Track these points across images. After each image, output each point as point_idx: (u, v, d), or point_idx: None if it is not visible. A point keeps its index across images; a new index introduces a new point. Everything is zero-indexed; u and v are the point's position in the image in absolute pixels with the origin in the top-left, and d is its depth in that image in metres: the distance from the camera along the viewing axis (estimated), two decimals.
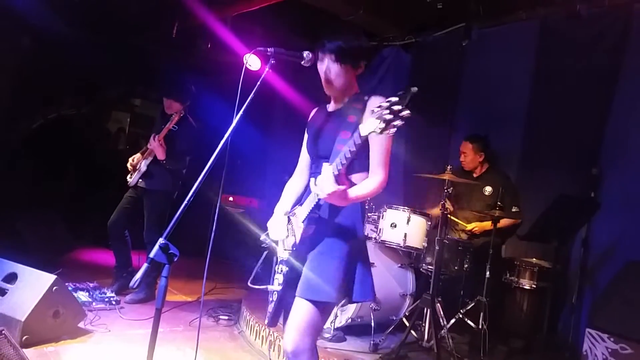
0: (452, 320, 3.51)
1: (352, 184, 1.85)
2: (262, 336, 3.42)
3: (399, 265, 3.80)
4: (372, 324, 3.35)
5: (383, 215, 3.71)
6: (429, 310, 3.38)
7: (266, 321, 2.00)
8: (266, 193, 6.46)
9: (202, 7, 4.85)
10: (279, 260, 2.02)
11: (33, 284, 2.97)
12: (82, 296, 3.65)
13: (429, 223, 3.70)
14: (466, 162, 4.21)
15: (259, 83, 1.88)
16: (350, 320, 3.36)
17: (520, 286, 3.69)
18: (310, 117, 2.15)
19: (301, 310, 1.79)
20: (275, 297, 1.97)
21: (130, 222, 4.13)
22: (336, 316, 3.35)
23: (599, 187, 3.74)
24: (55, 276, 2.98)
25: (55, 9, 4.96)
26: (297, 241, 1.91)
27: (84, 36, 5.56)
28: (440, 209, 3.44)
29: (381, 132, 1.45)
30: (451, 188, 3.59)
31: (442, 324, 3.37)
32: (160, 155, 3.91)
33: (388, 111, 1.41)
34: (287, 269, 1.93)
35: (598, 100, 3.82)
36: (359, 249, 1.91)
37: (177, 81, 4.19)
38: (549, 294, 3.57)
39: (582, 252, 3.79)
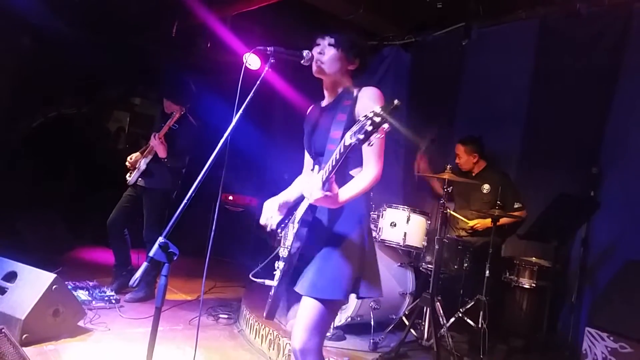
0: (452, 319, 3.51)
1: (351, 179, 1.84)
2: (262, 335, 3.42)
3: (399, 264, 3.80)
4: (372, 323, 3.35)
5: (383, 214, 3.71)
6: (428, 309, 3.39)
7: (264, 314, 2.00)
8: (266, 192, 6.43)
9: (202, 6, 4.85)
10: (280, 257, 2.02)
11: (33, 283, 2.97)
12: (82, 295, 3.65)
13: (429, 222, 3.70)
14: (461, 164, 4.27)
15: (258, 82, 1.87)
16: (350, 318, 3.36)
17: (520, 285, 3.70)
18: (307, 114, 2.15)
19: (309, 308, 1.78)
20: (272, 292, 1.97)
21: (130, 220, 4.13)
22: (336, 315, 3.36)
23: (598, 186, 3.74)
24: (55, 275, 2.98)
25: (55, 9, 4.96)
26: (292, 241, 1.91)
27: (84, 36, 5.57)
28: (440, 209, 3.45)
29: (361, 143, 1.45)
30: (451, 187, 3.60)
31: (441, 323, 3.38)
32: (162, 153, 3.91)
33: (370, 122, 1.41)
34: (283, 264, 1.94)
35: (598, 99, 3.82)
36: (365, 244, 1.89)
37: (177, 83, 4.18)
38: (549, 293, 3.57)
39: (581, 251, 3.79)
